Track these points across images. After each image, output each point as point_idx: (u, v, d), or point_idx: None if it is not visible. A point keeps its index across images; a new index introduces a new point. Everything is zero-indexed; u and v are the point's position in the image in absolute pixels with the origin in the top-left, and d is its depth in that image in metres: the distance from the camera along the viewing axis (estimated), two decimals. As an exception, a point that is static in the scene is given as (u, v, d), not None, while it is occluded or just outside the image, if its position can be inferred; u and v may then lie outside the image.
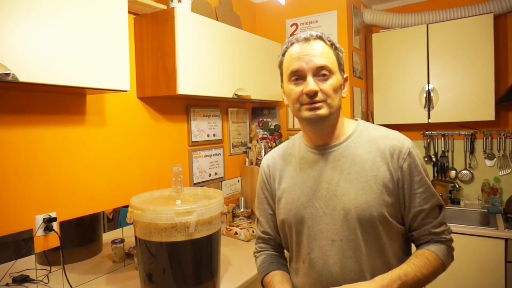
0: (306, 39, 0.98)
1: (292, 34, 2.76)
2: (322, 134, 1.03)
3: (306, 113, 0.96)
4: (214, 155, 2.43)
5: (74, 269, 1.58)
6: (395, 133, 1.03)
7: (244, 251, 1.97)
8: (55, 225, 1.51)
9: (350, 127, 1.06)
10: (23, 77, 1.14)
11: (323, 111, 0.95)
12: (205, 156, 2.36)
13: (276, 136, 2.73)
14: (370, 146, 1.00)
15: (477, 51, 2.47)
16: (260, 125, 2.82)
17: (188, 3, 1.91)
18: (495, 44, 2.44)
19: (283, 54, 1.03)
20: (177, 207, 1.34)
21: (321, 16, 2.63)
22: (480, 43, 2.46)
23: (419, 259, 0.95)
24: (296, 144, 1.13)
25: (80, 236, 1.67)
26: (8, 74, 1.10)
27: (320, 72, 0.95)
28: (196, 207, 1.33)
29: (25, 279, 1.40)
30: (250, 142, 2.71)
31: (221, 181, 2.49)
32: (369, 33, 3.01)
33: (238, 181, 2.66)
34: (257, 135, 2.66)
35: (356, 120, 1.10)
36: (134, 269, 1.74)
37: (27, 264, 1.42)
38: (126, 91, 1.50)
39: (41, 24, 1.19)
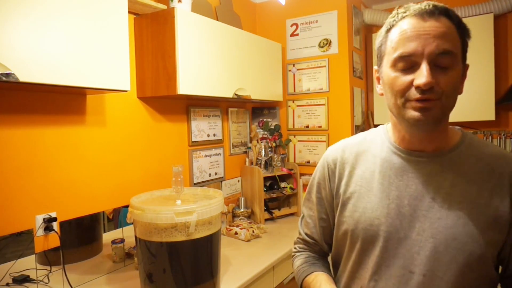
0: (428, 13, 0.72)
1: (292, 35, 2.76)
2: (424, 139, 0.80)
3: (413, 113, 0.73)
4: (214, 155, 2.43)
5: (74, 269, 1.58)
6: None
7: (244, 251, 1.97)
8: (55, 225, 1.51)
9: (454, 136, 0.83)
10: (23, 77, 1.14)
11: (436, 112, 0.72)
12: (205, 156, 2.36)
13: (276, 136, 2.73)
14: (481, 166, 0.78)
15: (477, 51, 2.47)
16: (260, 125, 2.82)
17: (188, 3, 1.91)
18: (495, 44, 2.43)
19: (388, 30, 0.78)
20: (177, 207, 1.34)
21: (321, 16, 2.63)
22: (480, 43, 2.46)
23: None
24: (378, 140, 0.89)
25: (80, 236, 1.67)
26: (8, 74, 1.10)
27: (440, 60, 0.71)
28: (196, 207, 1.33)
29: (25, 279, 1.40)
30: (250, 142, 2.71)
31: (221, 181, 2.49)
32: (369, 33, 3.00)
33: (238, 181, 2.66)
34: (257, 135, 2.66)
35: (460, 130, 0.86)
36: (134, 269, 1.74)
37: (27, 264, 1.42)
38: (126, 91, 1.50)
39: (41, 24, 1.19)
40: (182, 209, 1.32)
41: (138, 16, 1.91)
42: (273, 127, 2.79)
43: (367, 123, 2.99)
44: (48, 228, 1.48)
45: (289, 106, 2.80)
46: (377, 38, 0.82)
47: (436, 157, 0.79)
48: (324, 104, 2.65)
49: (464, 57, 0.77)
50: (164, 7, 1.86)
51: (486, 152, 0.80)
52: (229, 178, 2.57)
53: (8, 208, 1.38)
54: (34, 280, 1.43)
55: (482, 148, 0.81)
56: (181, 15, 1.78)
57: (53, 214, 1.51)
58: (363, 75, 2.97)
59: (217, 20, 2.38)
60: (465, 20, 2.58)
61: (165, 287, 1.36)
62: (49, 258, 1.49)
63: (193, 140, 2.26)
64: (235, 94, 2.15)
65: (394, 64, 0.75)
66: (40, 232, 1.46)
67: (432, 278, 0.74)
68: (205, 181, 2.35)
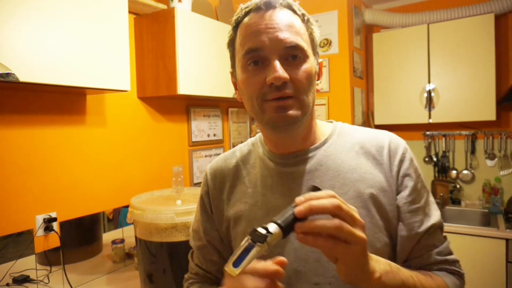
0: (269, 6, 0.68)
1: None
2: (292, 140, 0.75)
3: (271, 115, 0.67)
4: (214, 155, 2.42)
5: (74, 269, 1.58)
6: (384, 131, 0.79)
7: (244, 251, 1.97)
8: (55, 225, 1.51)
9: (325, 129, 0.80)
10: (23, 77, 1.14)
11: (294, 111, 0.67)
12: (206, 156, 2.35)
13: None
14: (356, 150, 0.75)
15: (478, 51, 2.47)
16: (261, 125, 2.82)
17: (188, 2, 1.91)
18: (496, 44, 2.43)
19: (235, 28, 0.72)
20: (178, 207, 1.34)
21: (321, 16, 2.63)
22: (481, 43, 2.45)
23: (424, 276, 0.68)
24: (255, 150, 0.83)
25: (80, 236, 1.67)
26: (8, 74, 1.10)
27: (290, 54, 0.67)
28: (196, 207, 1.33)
29: (25, 279, 1.40)
30: (251, 142, 2.71)
31: (222, 181, 2.49)
32: (370, 33, 3.00)
33: (239, 181, 2.66)
34: (257, 135, 2.66)
35: (331, 122, 0.84)
36: (134, 269, 1.74)
37: (27, 264, 1.42)
38: (126, 91, 1.50)
39: (42, 24, 1.19)
40: (182, 209, 1.31)
41: (138, 16, 1.91)
42: (273, 127, 2.79)
43: (367, 123, 2.99)
44: (48, 228, 1.48)
45: (290, 106, 2.79)
46: (228, 38, 0.76)
47: (312, 153, 0.75)
48: (324, 104, 2.65)
49: (315, 52, 0.73)
50: (164, 7, 1.85)
51: (359, 136, 0.77)
52: (230, 178, 2.57)
53: (8, 208, 1.38)
54: (34, 280, 1.43)
55: (354, 133, 0.79)
56: (181, 15, 1.78)
57: (53, 214, 1.51)
58: (364, 75, 2.97)
59: (217, 20, 2.38)
60: (465, 20, 2.55)
61: (165, 287, 1.36)
62: (49, 258, 1.49)
63: (193, 140, 2.26)
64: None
65: (244, 64, 0.69)
66: (40, 232, 1.46)
67: (340, 285, 0.67)
68: (206, 181, 2.35)
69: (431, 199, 0.76)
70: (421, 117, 2.69)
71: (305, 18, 0.72)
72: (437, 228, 0.73)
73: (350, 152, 0.75)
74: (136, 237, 1.41)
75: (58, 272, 1.52)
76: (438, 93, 2.62)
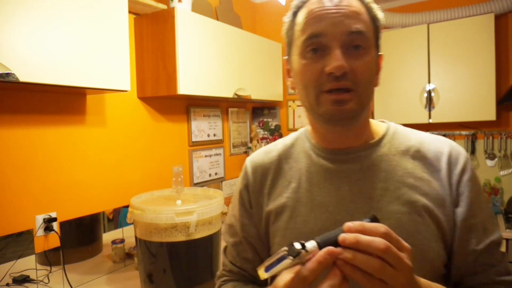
0: None
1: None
2: (345, 136, 0.71)
3: (328, 107, 0.63)
4: (214, 155, 2.42)
5: (74, 269, 1.58)
6: (443, 137, 0.73)
7: (244, 251, 1.97)
8: (55, 225, 1.51)
9: (379, 128, 0.76)
10: (23, 77, 1.14)
11: (352, 105, 0.63)
12: (206, 156, 2.35)
13: (276, 136, 2.73)
14: (411, 154, 0.70)
15: (478, 51, 2.47)
16: (261, 125, 2.82)
17: (188, 3, 1.91)
18: (496, 44, 2.43)
19: (295, 13, 0.69)
20: (178, 207, 1.34)
21: (321, 16, 2.63)
22: (481, 43, 2.45)
23: None
24: (300, 144, 0.79)
25: (80, 236, 1.67)
26: (8, 74, 1.10)
27: (353, 42, 0.63)
28: (196, 207, 1.33)
29: (25, 279, 1.40)
30: (251, 142, 2.71)
31: (222, 181, 2.49)
32: (370, 33, 3.00)
33: (239, 181, 2.65)
34: (257, 135, 2.66)
35: (384, 122, 0.79)
36: (134, 269, 1.74)
37: (27, 264, 1.42)
38: (126, 91, 1.50)
39: (42, 24, 1.18)
40: (182, 209, 1.31)
41: (138, 16, 1.91)
42: (273, 127, 2.79)
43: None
44: (48, 228, 1.48)
45: (290, 106, 2.79)
46: (284, 24, 0.72)
47: (364, 152, 0.71)
48: (324, 104, 2.65)
49: (377, 45, 0.68)
50: (164, 7, 1.85)
51: (414, 139, 0.72)
52: (229, 178, 2.57)
53: (8, 208, 1.38)
54: (34, 280, 1.43)
55: (409, 135, 0.73)
56: (181, 15, 1.78)
57: (53, 214, 1.51)
58: (364, 75, 2.97)
59: (217, 20, 2.38)
60: (465, 20, 2.53)
61: (165, 287, 1.36)
62: (49, 258, 1.49)
63: (193, 140, 2.26)
64: (235, 94, 2.15)
65: (303, 50, 0.65)
66: (40, 232, 1.46)
67: None
68: (205, 181, 2.35)
69: (491, 213, 0.70)
70: (421, 117, 2.69)
71: (371, 6, 0.67)
72: (496, 244, 0.67)
73: (405, 155, 0.70)
74: (136, 237, 1.41)
75: (58, 272, 1.52)
76: (438, 93, 2.62)
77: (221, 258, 0.86)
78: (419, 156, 0.70)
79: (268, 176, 0.78)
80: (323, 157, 0.73)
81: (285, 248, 0.49)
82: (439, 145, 0.70)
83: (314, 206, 0.70)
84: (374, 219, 0.50)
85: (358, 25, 0.62)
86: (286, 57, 0.74)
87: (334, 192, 0.69)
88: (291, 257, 0.48)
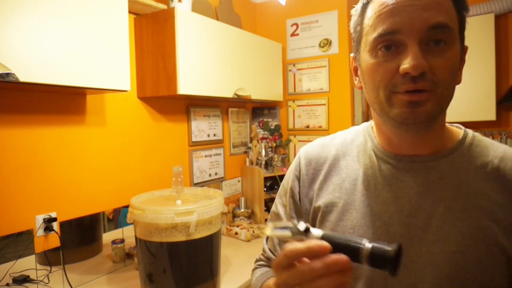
0: None
1: (292, 34, 2.76)
2: (416, 142, 0.63)
3: (400, 110, 0.56)
4: (214, 155, 2.42)
5: (74, 269, 1.58)
6: None
7: (244, 251, 1.97)
8: (55, 225, 1.51)
9: (453, 135, 0.67)
10: (23, 77, 1.14)
11: (430, 107, 0.56)
12: (206, 156, 2.35)
13: (276, 136, 2.73)
14: (488, 170, 0.60)
15: (478, 51, 2.47)
16: (261, 125, 2.82)
17: (188, 3, 1.91)
18: (496, 43, 2.43)
19: (365, 6, 0.62)
20: (178, 207, 1.34)
21: (321, 15, 2.63)
22: (481, 43, 2.45)
23: None
24: (361, 142, 0.72)
25: (80, 236, 1.67)
26: (8, 74, 1.10)
27: (433, 38, 0.55)
28: (196, 207, 1.33)
29: (25, 279, 1.40)
30: (251, 142, 2.71)
31: (222, 181, 2.49)
32: (370, 33, 3.00)
33: (239, 181, 2.65)
34: (257, 135, 2.66)
35: (460, 128, 0.70)
36: (134, 269, 1.74)
37: (27, 264, 1.42)
38: (126, 91, 1.50)
39: (42, 24, 1.18)
40: (182, 209, 1.31)
41: (138, 16, 1.91)
42: (273, 127, 2.79)
43: (367, 123, 2.99)
44: (48, 228, 1.48)
45: (290, 106, 2.79)
46: (352, 18, 0.65)
47: (433, 162, 0.62)
48: (324, 104, 2.65)
49: (462, 36, 0.60)
50: (164, 7, 1.85)
51: (493, 153, 0.62)
52: (229, 178, 2.57)
53: (8, 208, 1.38)
54: (34, 280, 1.43)
55: (488, 148, 0.63)
56: (181, 15, 1.78)
57: (53, 214, 1.51)
58: (364, 75, 2.97)
59: (217, 20, 2.38)
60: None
61: (165, 287, 1.36)
62: (49, 258, 1.49)
63: (193, 140, 2.26)
64: (236, 94, 2.15)
65: (374, 47, 0.58)
66: (40, 232, 1.46)
67: None
68: (205, 181, 2.35)
69: None
70: (421, 117, 2.69)
71: None
72: None
73: (480, 170, 0.61)
74: (136, 237, 1.41)
75: (58, 272, 1.52)
76: (438, 93, 2.62)
77: (263, 243, 0.86)
78: (496, 174, 0.60)
79: (321, 171, 0.72)
80: (384, 161, 0.66)
81: (295, 222, 0.50)
82: None
83: (367, 213, 0.63)
84: (398, 250, 0.45)
85: (439, 18, 0.54)
86: (353, 54, 0.67)
87: (392, 201, 0.62)
88: (291, 232, 0.50)
